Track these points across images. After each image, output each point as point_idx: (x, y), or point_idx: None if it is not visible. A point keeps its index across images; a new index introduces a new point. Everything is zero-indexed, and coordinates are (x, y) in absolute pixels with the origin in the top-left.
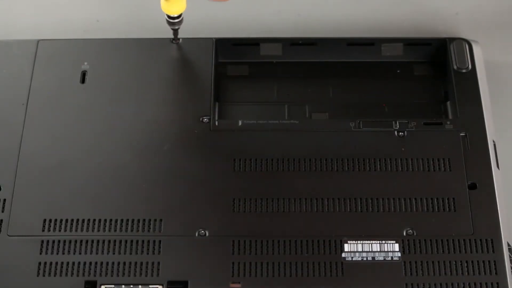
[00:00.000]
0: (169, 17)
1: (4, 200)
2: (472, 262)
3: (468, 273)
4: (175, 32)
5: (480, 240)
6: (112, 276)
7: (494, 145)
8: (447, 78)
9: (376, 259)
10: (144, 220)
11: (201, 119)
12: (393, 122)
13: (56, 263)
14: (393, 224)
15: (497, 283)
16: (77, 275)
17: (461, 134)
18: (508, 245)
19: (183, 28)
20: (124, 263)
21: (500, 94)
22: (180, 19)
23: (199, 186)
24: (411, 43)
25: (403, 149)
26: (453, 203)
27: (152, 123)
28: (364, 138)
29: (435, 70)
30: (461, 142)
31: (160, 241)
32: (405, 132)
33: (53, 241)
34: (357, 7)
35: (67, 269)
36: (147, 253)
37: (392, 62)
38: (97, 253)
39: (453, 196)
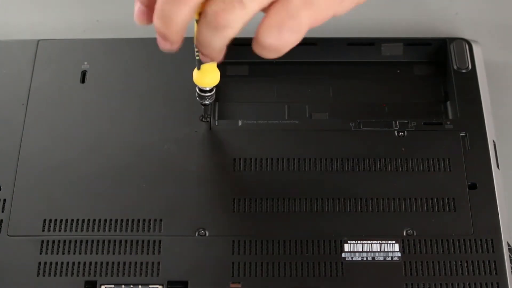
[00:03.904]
0: (200, 90)
1: (4, 200)
2: (472, 262)
3: (468, 273)
4: (206, 108)
5: (480, 240)
6: (112, 276)
7: (494, 145)
8: (447, 78)
9: (376, 259)
10: (144, 220)
11: (201, 119)
12: (393, 122)
13: (56, 263)
14: (393, 224)
15: (497, 283)
16: (77, 275)
17: (461, 134)
18: (508, 245)
19: None
20: (124, 263)
21: (500, 94)
22: (212, 93)
23: (199, 186)
24: (411, 43)
25: (403, 149)
26: (453, 203)
27: (152, 123)
28: (364, 138)
29: (435, 70)
30: (461, 142)
31: (160, 241)
32: (405, 132)
33: (53, 241)
34: (357, 7)
35: (67, 269)
36: (147, 253)
37: (392, 62)
38: (97, 253)
39: (453, 196)
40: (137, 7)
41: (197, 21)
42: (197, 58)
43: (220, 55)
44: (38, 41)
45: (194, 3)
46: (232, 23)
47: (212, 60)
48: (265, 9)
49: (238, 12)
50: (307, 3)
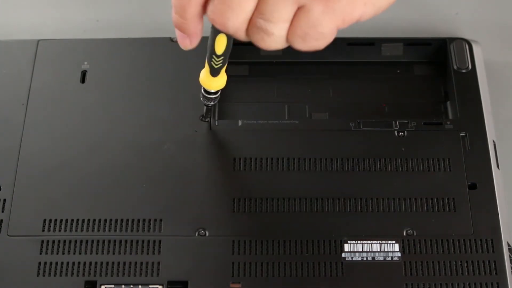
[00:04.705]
0: (206, 92)
1: (4, 200)
2: (472, 262)
3: (468, 273)
4: (208, 109)
5: (480, 240)
6: (112, 276)
7: (494, 145)
8: (447, 78)
9: (376, 259)
10: (144, 220)
11: (201, 118)
12: (393, 122)
13: (56, 263)
14: (393, 224)
15: (497, 283)
16: (77, 275)
17: (461, 134)
18: (508, 245)
19: None
20: (124, 263)
21: (500, 94)
22: (217, 95)
23: (199, 186)
24: (411, 43)
25: (403, 149)
26: (453, 203)
27: (152, 123)
28: (364, 138)
29: (435, 70)
30: (461, 142)
31: (160, 241)
32: (405, 132)
33: (53, 241)
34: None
35: (67, 269)
36: (147, 253)
37: (392, 62)
38: (97, 253)
39: (453, 196)
40: (178, 34)
41: (220, 32)
42: (216, 66)
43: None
44: (38, 41)
45: None
46: (271, 46)
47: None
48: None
49: (269, 39)
50: (327, 10)
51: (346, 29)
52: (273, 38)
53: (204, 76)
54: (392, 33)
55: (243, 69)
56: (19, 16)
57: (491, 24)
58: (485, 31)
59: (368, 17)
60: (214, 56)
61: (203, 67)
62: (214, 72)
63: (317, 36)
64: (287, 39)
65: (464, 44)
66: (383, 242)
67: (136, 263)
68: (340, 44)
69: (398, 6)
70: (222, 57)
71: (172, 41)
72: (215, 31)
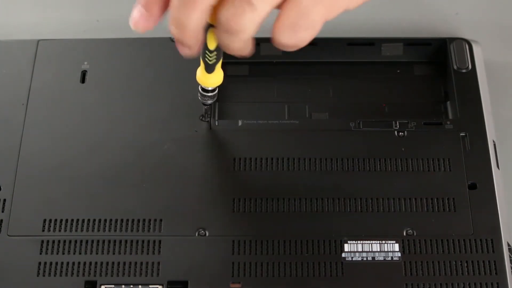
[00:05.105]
0: (203, 90)
1: (4, 200)
2: (472, 262)
3: (468, 273)
4: (207, 108)
5: (480, 240)
6: (112, 276)
7: (494, 145)
8: (447, 78)
9: (376, 259)
10: (144, 220)
11: (201, 118)
12: (393, 122)
13: (56, 263)
14: (393, 224)
15: (497, 283)
16: (77, 275)
17: (461, 134)
18: (508, 245)
19: None
20: (124, 263)
21: (500, 94)
22: (214, 93)
23: (199, 186)
24: (411, 43)
25: (403, 149)
26: (453, 203)
27: (152, 123)
28: (364, 138)
29: (435, 70)
30: (461, 142)
31: (160, 241)
32: (405, 132)
33: (53, 241)
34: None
35: (67, 269)
36: (147, 253)
37: (392, 62)
38: (97, 253)
39: (453, 196)
40: (138, 11)
41: (212, 26)
42: (210, 62)
43: (246, 50)
44: (38, 41)
45: (204, 7)
46: (245, 27)
47: (243, 55)
48: (279, 6)
49: (249, 15)
50: None
51: (346, 29)
52: (252, 16)
53: (200, 74)
54: (392, 33)
55: (243, 69)
56: (19, 16)
57: (491, 24)
58: (485, 31)
59: (354, 6)
60: (207, 52)
61: None
62: (209, 68)
63: (306, 25)
64: (273, 33)
65: (464, 44)
66: (383, 242)
67: (136, 263)
68: (340, 44)
69: (398, 6)
70: (215, 52)
71: (172, 41)
72: (206, 27)
